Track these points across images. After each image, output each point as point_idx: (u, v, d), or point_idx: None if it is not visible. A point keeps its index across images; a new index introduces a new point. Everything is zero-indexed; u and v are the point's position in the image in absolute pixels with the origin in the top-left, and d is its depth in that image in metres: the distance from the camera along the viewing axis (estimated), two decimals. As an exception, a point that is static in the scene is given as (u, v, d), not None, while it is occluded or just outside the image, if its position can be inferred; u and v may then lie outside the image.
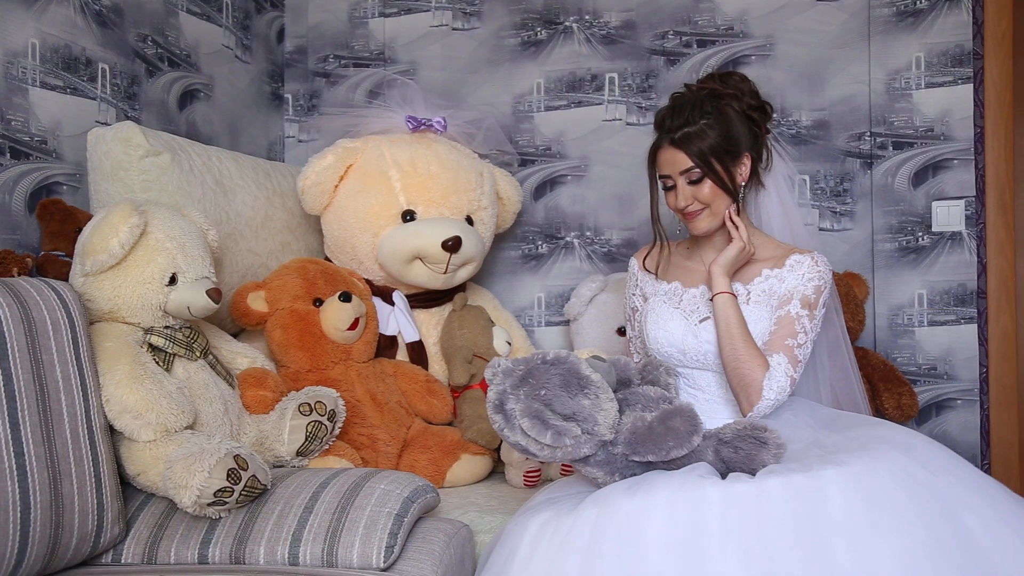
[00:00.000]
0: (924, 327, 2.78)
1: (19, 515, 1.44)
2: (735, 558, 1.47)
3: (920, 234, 2.78)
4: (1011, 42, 2.73)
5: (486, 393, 2.42)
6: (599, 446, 1.67)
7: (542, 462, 2.31)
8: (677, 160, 1.94)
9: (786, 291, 1.94)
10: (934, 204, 2.77)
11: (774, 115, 2.04)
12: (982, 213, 2.74)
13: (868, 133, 2.82)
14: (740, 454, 1.67)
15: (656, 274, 2.12)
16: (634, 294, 2.16)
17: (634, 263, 2.18)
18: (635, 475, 1.70)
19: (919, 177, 2.78)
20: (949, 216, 2.76)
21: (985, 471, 2.69)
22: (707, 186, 1.94)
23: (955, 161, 2.76)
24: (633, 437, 1.65)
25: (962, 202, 2.75)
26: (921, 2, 2.78)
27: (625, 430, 1.66)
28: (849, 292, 2.68)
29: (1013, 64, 2.73)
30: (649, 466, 1.69)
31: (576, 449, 1.64)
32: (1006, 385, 2.72)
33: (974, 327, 2.74)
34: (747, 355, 1.86)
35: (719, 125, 1.93)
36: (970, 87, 2.74)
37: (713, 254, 2.02)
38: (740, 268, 1.99)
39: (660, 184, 2.02)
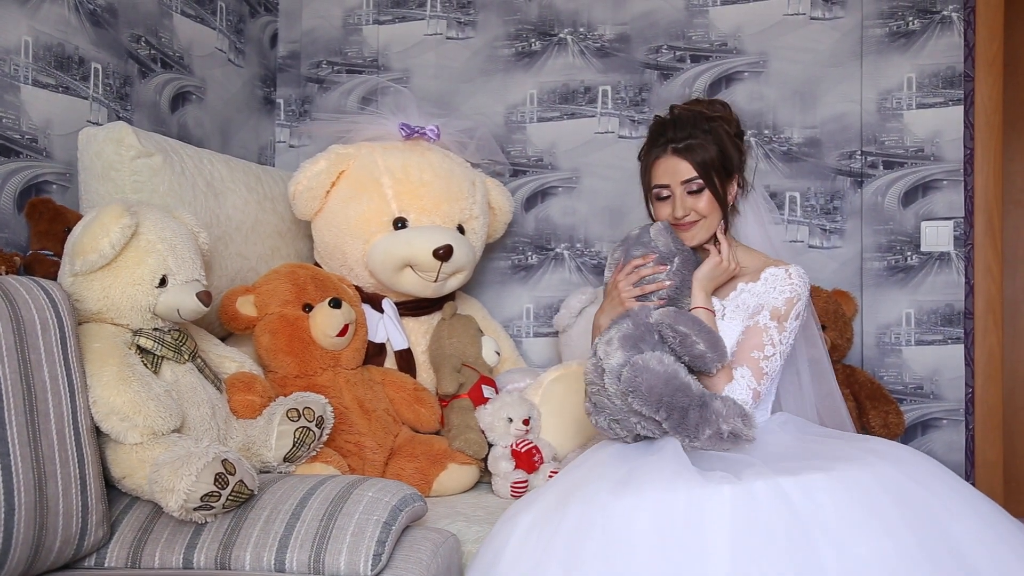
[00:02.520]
0: (911, 346, 2.79)
1: (3, 516, 1.42)
2: (723, 560, 1.47)
3: (909, 253, 2.80)
4: (1002, 65, 2.76)
5: (476, 404, 2.43)
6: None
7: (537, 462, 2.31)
8: (679, 169, 1.96)
9: (758, 304, 1.95)
10: (923, 224, 2.79)
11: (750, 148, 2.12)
12: (970, 234, 2.76)
13: (859, 152, 2.84)
14: (727, 407, 1.76)
15: None
16: None
17: None
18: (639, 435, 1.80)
19: (909, 197, 2.80)
20: (938, 236, 2.78)
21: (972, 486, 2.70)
22: (705, 198, 1.96)
23: (944, 182, 2.78)
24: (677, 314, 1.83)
25: (951, 223, 2.77)
26: (913, 23, 2.81)
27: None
28: (837, 310, 2.69)
29: (1003, 87, 2.76)
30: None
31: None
32: (991, 406, 2.74)
33: (961, 347, 2.76)
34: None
35: (716, 142, 1.97)
36: (960, 109, 2.77)
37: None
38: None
39: (654, 195, 2.02)
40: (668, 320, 1.82)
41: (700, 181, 1.95)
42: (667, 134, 1.98)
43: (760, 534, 1.50)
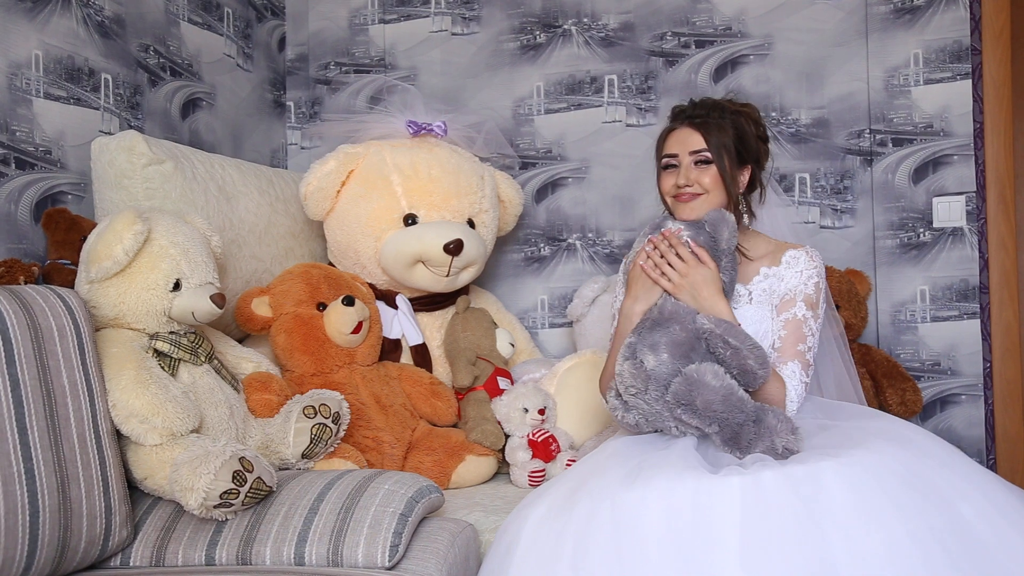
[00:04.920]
0: (927, 323, 2.78)
1: (28, 519, 1.46)
2: (732, 549, 1.48)
3: (921, 230, 2.79)
4: (1009, 37, 2.74)
5: (492, 395, 2.46)
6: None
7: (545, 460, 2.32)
8: (691, 140, 1.97)
9: (787, 290, 1.96)
10: (935, 200, 2.78)
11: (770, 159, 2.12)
12: (983, 208, 2.75)
13: (868, 130, 2.83)
14: (778, 423, 1.71)
15: None
16: None
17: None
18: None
19: (919, 173, 2.79)
20: (950, 212, 2.76)
21: (991, 466, 2.69)
22: (711, 173, 1.96)
23: (955, 157, 2.76)
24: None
25: (963, 198, 2.76)
26: (918, -1, 2.79)
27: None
28: (851, 289, 2.69)
29: (1012, 59, 2.74)
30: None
31: None
32: (1010, 379, 2.72)
33: (977, 322, 2.75)
34: (778, 391, 1.86)
35: (735, 129, 1.98)
36: (969, 83, 2.75)
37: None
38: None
39: (662, 164, 2.02)
40: (719, 331, 1.76)
41: (708, 154, 1.95)
42: (686, 111, 2.01)
43: (770, 523, 1.50)
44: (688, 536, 1.51)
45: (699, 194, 1.96)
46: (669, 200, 2.02)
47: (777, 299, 1.96)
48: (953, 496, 1.55)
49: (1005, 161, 2.73)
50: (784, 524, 1.49)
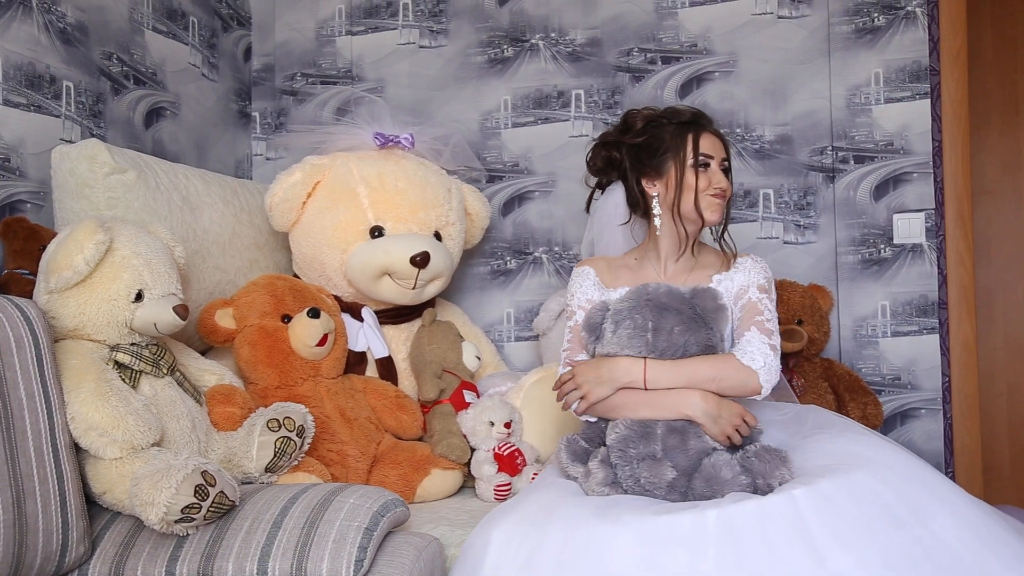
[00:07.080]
0: (887, 338, 2.82)
1: (-18, 534, 1.43)
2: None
3: (882, 246, 2.83)
4: (966, 58, 2.80)
5: (457, 409, 2.45)
6: None
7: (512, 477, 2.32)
8: (721, 148, 2.08)
9: (740, 286, 2.01)
10: (895, 217, 2.82)
11: None
12: (941, 225, 2.80)
13: (830, 147, 2.87)
14: (765, 464, 1.72)
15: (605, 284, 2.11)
16: (589, 298, 2.07)
17: (590, 270, 2.11)
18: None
19: (880, 190, 2.83)
20: (910, 228, 2.81)
21: (949, 479, 2.73)
22: (728, 182, 2.07)
23: (914, 175, 2.81)
24: None
25: (922, 214, 2.80)
26: (879, 20, 2.84)
27: None
28: (814, 304, 2.72)
29: (968, 79, 2.80)
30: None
31: None
32: (968, 394, 2.77)
33: (936, 337, 2.79)
34: (716, 365, 1.86)
35: None
36: (927, 102, 2.80)
37: (657, 255, 2.09)
38: (690, 275, 2.05)
39: (699, 161, 2.03)
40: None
41: (728, 163, 2.08)
42: (701, 121, 2.10)
43: (744, 552, 1.50)
44: (666, 568, 1.51)
45: (724, 199, 2.06)
46: (698, 197, 2.02)
47: (732, 296, 2.01)
48: (922, 513, 1.56)
49: (963, 179, 2.78)
50: (758, 552, 1.49)
